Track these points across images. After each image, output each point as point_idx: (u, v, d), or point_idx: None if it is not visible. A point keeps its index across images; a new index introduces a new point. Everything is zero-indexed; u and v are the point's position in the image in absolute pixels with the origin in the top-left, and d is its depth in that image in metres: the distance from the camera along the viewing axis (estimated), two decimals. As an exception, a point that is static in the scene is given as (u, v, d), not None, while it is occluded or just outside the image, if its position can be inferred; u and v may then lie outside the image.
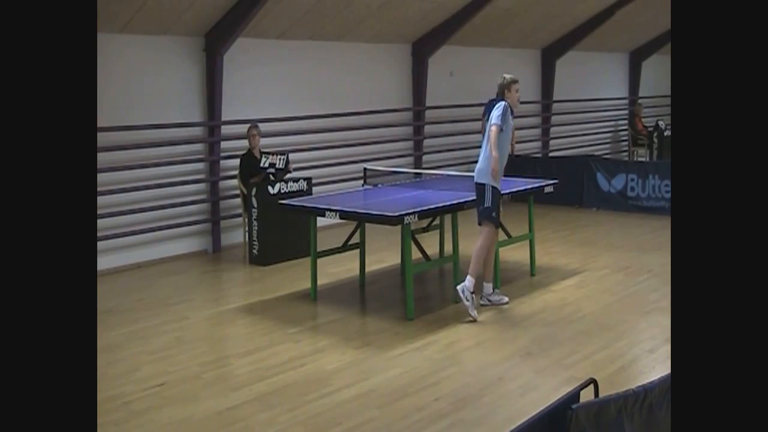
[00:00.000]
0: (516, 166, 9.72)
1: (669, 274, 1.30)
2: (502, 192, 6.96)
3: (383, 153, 11.73)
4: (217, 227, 9.78)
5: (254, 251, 8.93)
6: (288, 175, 9.23)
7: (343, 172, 10.98)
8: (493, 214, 6.77)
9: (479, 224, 6.92)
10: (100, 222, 8.29)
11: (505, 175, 7.10)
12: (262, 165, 8.96)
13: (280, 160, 9.04)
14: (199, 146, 9.62)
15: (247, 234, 9.11)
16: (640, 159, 15.86)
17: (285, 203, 7.72)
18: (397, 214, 6.55)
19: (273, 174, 9.02)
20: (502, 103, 6.75)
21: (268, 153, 9.12)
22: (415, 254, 7.17)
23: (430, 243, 8.29)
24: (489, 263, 7.04)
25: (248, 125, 9.36)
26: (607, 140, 17.15)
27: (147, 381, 5.39)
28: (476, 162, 6.89)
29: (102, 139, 8.13)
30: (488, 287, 7.10)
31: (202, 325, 6.83)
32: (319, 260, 7.48)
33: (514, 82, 6.90)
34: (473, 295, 6.68)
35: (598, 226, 11.03)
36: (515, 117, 7.10)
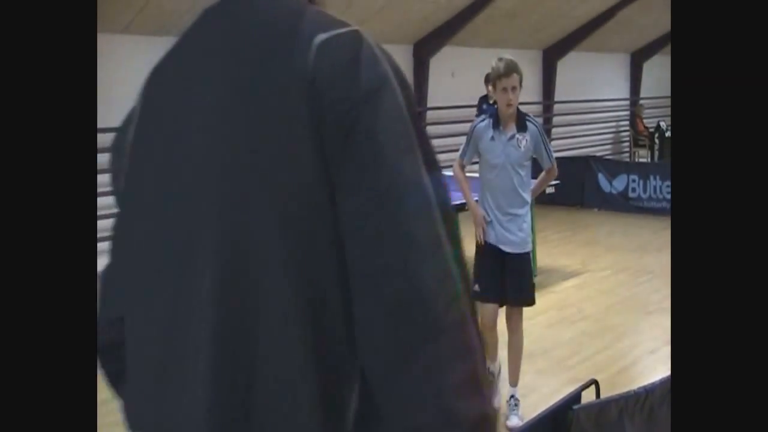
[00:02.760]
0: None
1: (670, 275, 1.30)
2: (493, 242, 4.45)
3: (384, 154, 11.72)
4: (218, 228, 9.78)
5: (255, 252, 8.92)
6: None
7: (345, 173, 10.98)
8: (475, 288, 4.29)
9: None
10: (101, 223, 8.26)
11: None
12: None
13: None
14: (200, 147, 9.63)
15: (248, 235, 9.11)
16: (641, 160, 15.86)
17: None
18: (398, 215, 6.50)
19: None
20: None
21: None
22: (417, 255, 7.15)
23: (432, 244, 8.28)
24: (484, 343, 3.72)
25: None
26: (609, 141, 17.15)
27: (148, 382, 5.39)
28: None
29: (102, 140, 8.13)
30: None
31: (204, 326, 6.83)
32: (320, 261, 7.47)
33: (499, 76, 4.50)
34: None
35: (600, 227, 11.02)
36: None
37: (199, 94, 1.14)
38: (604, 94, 16.91)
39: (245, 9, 1.16)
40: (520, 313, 4.60)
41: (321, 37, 1.07)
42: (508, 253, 4.46)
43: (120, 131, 1.33)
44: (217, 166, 1.09)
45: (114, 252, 1.35)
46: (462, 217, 7.34)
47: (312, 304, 1.05)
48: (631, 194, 11.92)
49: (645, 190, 11.82)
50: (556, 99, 15.31)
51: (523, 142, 4.49)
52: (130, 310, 1.24)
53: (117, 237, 1.34)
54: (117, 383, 1.35)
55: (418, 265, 1.00)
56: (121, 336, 1.25)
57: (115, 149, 1.34)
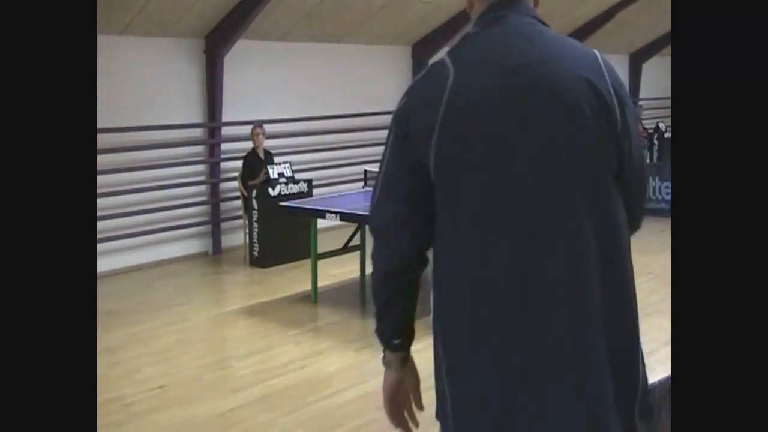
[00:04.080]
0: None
1: (669, 275, 1.30)
2: None
3: (384, 155, 11.72)
4: (217, 229, 9.78)
5: (255, 253, 8.93)
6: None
7: (344, 174, 10.98)
8: None
9: None
10: (101, 224, 8.29)
11: None
12: (272, 176, 8.96)
13: (286, 168, 9.10)
14: (199, 148, 9.63)
15: (247, 236, 9.11)
16: (640, 161, 15.83)
17: (285, 205, 7.72)
18: (397, 215, 6.51)
19: (285, 183, 9.03)
20: None
21: (274, 161, 9.13)
22: (416, 256, 7.15)
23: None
24: None
25: (250, 126, 9.35)
26: (608, 142, 17.12)
27: (147, 383, 5.39)
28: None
29: (102, 141, 8.14)
30: None
31: (203, 327, 6.83)
32: (319, 262, 7.48)
33: None
34: None
35: (599, 228, 11.00)
36: None
37: (527, 80, 1.67)
38: (603, 95, 16.88)
39: (527, 22, 1.78)
40: None
41: (597, 55, 1.76)
42: None
43: (409, 102, 1.78)
44: (564, 139, 1.67)
45: (408, 192, 1.79)
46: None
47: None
48: (630, 195, 11.90)
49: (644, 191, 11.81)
50: (555, 100, 15.30)
51: None
52: (455, 246, 1.76)
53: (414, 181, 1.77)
54: (389, 305, 1.86)
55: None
56: (418, 262, 1.85)
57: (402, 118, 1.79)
